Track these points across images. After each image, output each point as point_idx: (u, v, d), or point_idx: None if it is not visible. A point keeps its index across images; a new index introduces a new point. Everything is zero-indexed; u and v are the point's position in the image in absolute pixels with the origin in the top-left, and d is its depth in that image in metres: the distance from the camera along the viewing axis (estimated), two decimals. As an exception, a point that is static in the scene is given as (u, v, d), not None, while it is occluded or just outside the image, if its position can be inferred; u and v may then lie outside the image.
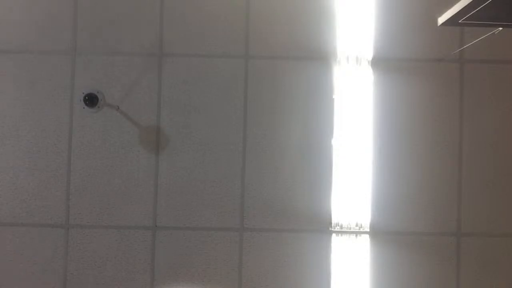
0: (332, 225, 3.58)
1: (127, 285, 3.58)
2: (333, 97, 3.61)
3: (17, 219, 3.58)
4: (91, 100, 3.38)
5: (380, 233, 3.59)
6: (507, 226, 3.59)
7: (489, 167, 3.60)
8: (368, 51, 3.62)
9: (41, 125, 3.60)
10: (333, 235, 3.58)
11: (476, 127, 3.61)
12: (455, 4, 2.56)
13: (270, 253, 3.59)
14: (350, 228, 3.59)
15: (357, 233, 3.59)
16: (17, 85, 3.60)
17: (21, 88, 3.60)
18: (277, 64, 3.61)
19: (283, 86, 3.61)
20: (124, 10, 3.63)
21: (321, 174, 3.58)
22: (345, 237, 3.58)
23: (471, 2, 2.35)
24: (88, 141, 3.60)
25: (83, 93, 3.43)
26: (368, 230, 3.59)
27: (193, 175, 3.60)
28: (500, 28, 2.81)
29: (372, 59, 3.62)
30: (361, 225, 3.59)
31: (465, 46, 3.50)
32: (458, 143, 3.61)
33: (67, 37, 3.62)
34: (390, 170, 3.59)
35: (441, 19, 2.77)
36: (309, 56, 3.61)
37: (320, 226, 3.58)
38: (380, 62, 3.61)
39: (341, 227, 3.59)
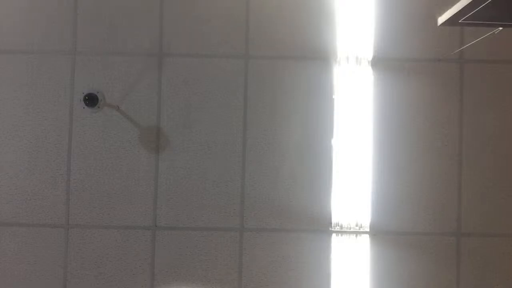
0: (332, 225, 3.58)
1: (127, 285, 3.58)
2: (333, 97, 3.61)
3: (17, 219, 3.58)
4: (91, 100, 3.39)
5: (380, 233, 3.59)
6: (507, 226, 3.59)
7: (489, 167, 3.60)
8: (368, 51, 3.62)
9: (41, 125, 3.60)
10: (333, 235, 3.58)
11: (476, 127, 3.61)
12: (455, 4, 2.56)
13: (270, 253, 3.58)
14: (350, 228, 3.59)
15: (357, 233, 3.59)
16: (17, 85, 3.60)
17: (21, 88, 3.60)
18: (277, 64, 3.61)
19: (283, 86, 3.61)
20: (124, 10, 3.63)
21: (321, 174, 3.58)
22: (345, 237, 3.58)
23: (471, 2, 2.35)
24: (88, 141, 3.60)
25: (83, 93, 3.44)
26: (368, 230, 3.59)
27: (193, 175, 3.60)
28: (500, 28, 2.81)
29: (372, 59, 3.62)
30: (361, 225, 3.59)
31: (465, 46, 3.50)
32: (458, 143, 3.61)
33: (67, 37, 3.62)
34: (390, 170, 3.59)
35: (441, 19, 2.77)
36: (309, 56, 3.61)
37: (320, 226, 3.58)
38: (380, 62, 3.61)
39: (341, 227, 3.59)
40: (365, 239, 3.59)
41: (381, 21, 3.63)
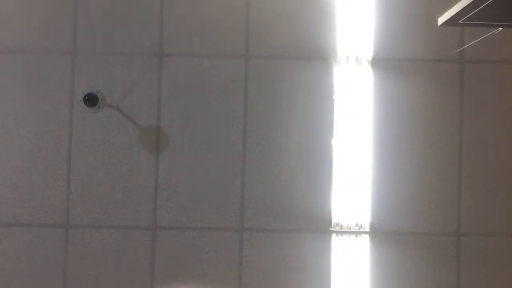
0: (332, 225, 3.58)
1: (127, 285, 3.58)
2: (333, 97, 3.61)
3: (17, 219, 3.58)
4: (91, 100, 3.38)
5: (380, 233, 3.59)
6: (507, 226, 3.59)
7: (489, 167, 3.60)
8: (368, 51, 3.62)
9: (41, 125, 3.60)
10: (333, 235, 3.58)
11: (476, 127, 3.61)
12: (455, 4, 2.55)
13: (270, 253, 3.58)
14: (350, 228, 3.59)
15: (357, 233, 3.59)
16: (17, 85, 3.60)
17: (21, 88, 3.60)
18: (277, 64, 3.61)
19: (283, 86, 3.61)
20: (124, 10, 3.63)
21: (321, 174, 3.58)
22: (345, 237, 3.58)
23: (471, 2, 2.35)
24: (88, 141, 3.60)
25: (83, 93, 3.43)
26: (368, 230, 3.59)
27: (193, 175, 3.60)
28: (500, 28, 2.80)
29: (372, 59, 3.61)
30: (361, 225, 3.59)
31: (465, 46, 3.50)
32: (458, 143, 3.61)
33: (67, 37, 3.62)
34: (390, 170, 3.59)
35: (441, 19, 2.76)
36: (309, 56, 3.60)
37: (320, 226, 3.58)
38: (380, 62, 3.61)
39: (341, 227, 3.59)
40: (365, 239, 3.59)
41: (381, 21, 3.62)
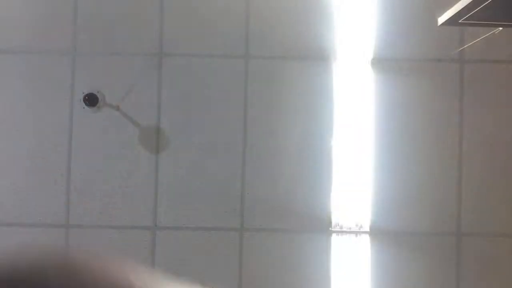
0: (332, 225, 3.58)
1: (127, 285, 3.58)
2: (333, 97, 3.61)
3: (17, 219, 3.58)
4: (91, 100, 3.39)
5: (380, 233, 3.59)
6: (507, 226, 3.59)
7: (489, 167, 3.60)
8: (368, 51, 3.62)
9: (41, 125, 3.60)
10: (333, 235, 3.58)
11: (476, 127, 3.61)
12: (455, 4, 2.55)
13: (270, 253, 3.58)
14: (350, 228, 3.59)
15: (357, 233, 3.59)
16: (17, 85, 3.60)
17: (21, 88, 3.60)
18: (277, 64, 3.61)
19: (283, 86, 3.61)
20: (124, 10, 3.63)
21: (321, 174, 3.58)
22: (345, 237, 3.58)
23: (471, 2, 2.35)
24: (88, 141, 3.60)
25: (83, 93, 3.44)
26: (368, 230, 3.59)
27: (193, 175, 3.60)
28: (500, 28, 2.80)
29: (372, 59, 3.62)
30: (361, 225, 3.59)
31: (465, 46, 3.50)
32: (458, 143, 3.61)
33: (67, 37, 3.62)
34: (390, 170, 3.59)
35: (441, 19, 2.76)
36: (309, 56, 3.60)
37: (320, 226, 3.58)
38: (380, 62, 3.61)
39: (341, 227, 3.59)
40: (365, 239, 3.59)
41: (381, 21, 3.63)
